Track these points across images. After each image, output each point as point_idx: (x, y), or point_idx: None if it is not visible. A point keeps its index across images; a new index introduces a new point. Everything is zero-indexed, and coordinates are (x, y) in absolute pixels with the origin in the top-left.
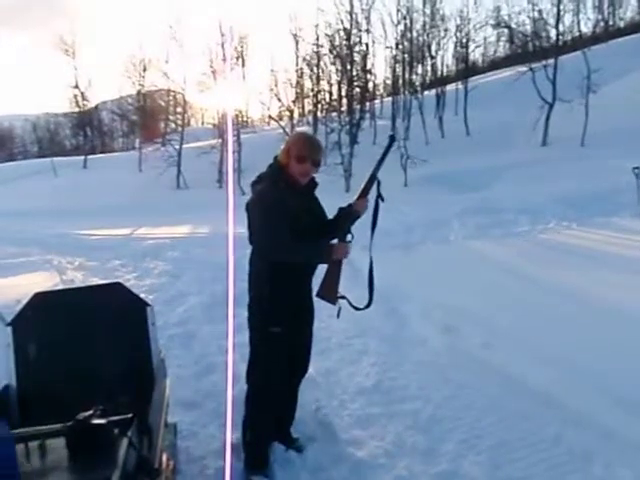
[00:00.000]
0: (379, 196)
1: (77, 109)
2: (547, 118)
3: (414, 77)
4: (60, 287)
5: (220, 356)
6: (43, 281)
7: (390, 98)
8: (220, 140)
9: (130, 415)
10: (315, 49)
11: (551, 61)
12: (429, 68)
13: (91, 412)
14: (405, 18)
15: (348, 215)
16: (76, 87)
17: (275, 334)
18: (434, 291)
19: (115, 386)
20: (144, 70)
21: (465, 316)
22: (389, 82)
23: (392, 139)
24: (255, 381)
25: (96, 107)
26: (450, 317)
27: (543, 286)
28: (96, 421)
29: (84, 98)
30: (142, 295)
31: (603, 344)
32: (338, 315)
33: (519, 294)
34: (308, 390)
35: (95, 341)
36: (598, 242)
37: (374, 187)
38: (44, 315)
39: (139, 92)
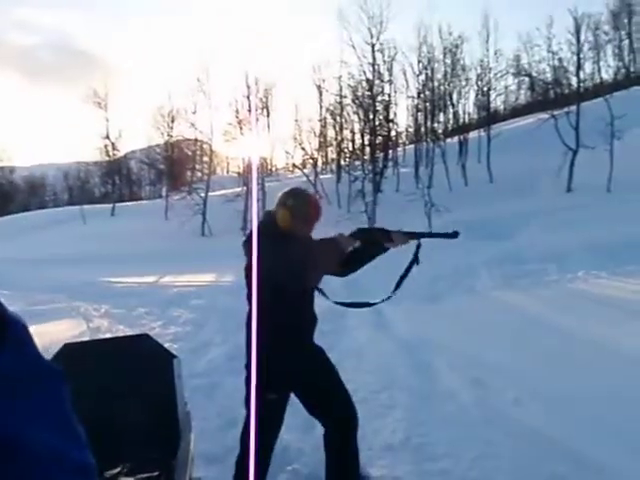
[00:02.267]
0: (416, 259)
1: (107, 158)
2: (571, 164)
3: (436, 125)
4: (87, 335)
5: (244, 409)
6: (70, 329)
7: (413, 146)
8: (245, 188)
9: (156, 473)
10: (338, 99)
11: (573, 108)
12: (451, 116)
13: (118, 470)
14: (426, 68)
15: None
16: (107, 137)
17: (271, 401)
18: (462, 343)
19: (141, 440)
20: (172, 121)
21: (494, 370)
22: (411, 130)
23: (455, 235)
24: (248, 445)
25: (125, 156)
26: (479, 370)
27: (575, 338)
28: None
29: (114, 148)
30: (167, 344)
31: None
32: None
33: (550, 347)
34: None
35: (122, 394)
36: (630, 292)
37: (413, 247)
38: (73, 366)
39: (167, 142)
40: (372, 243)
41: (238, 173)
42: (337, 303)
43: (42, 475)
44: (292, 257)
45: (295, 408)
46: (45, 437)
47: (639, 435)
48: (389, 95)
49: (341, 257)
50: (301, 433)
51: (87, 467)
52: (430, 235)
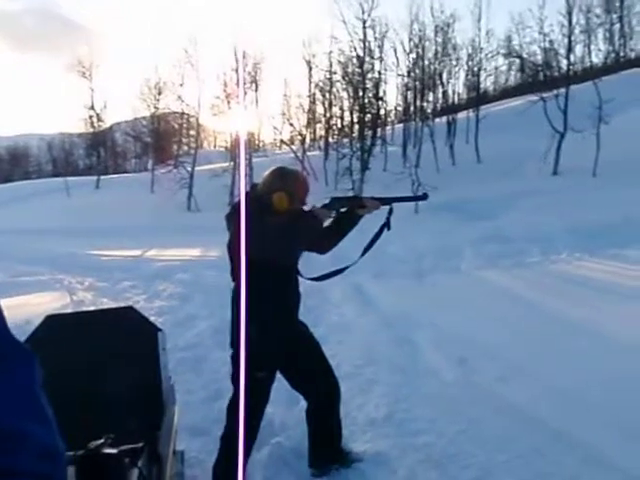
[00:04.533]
0: (387, 223)
1: (92, 130)
2: (558, 147)
3: (425, 104)
4: (70, 308)
5: (229, 382)
6: (53, 301)
7: (401, 125)
8: (232, 163)
9: (140, 444)
10: (328, 75)
11: (562, 91)
12: (440, 96)
13: (102, 441)
14: (417, 47)
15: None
16: (92, 108)
17: (259, 378)
18: (446, 321)
19: (125, 412)
20: (159, 93)
21: (478, 347)
22: (400, 109)
23: (425, 197)
24: (233, 422)
25: (110, 128)
26: (463, 348)
27: (556, 318)
28: (107, 450)
29: (99, 119)
30: (152, 318)
31: (617, 378)
32: None
33: (532, 326)
34: None
35: (106, 366)
36: (611, 274)
37: (385, 213)
38: (55, 338)
39: (153, 114)
40: (346, 212)
41: (225, 148)
42: (310, 279)
43: None
44: (279, 232)
45: (279, 382)
46: (2, 416)
47: (618, 412)
48: (379, 73)
49: (320, 228)
50: (285, 407)
51: (53, 450)
52: (401, 199)
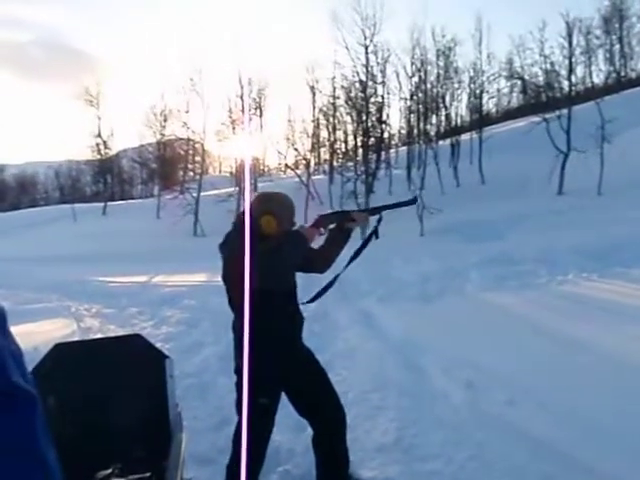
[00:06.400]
0: (375, 232)
1: (99, 157)
2: (562, 167)
3: (429, 127)
4: (77, 335)
5: (236, 412)
6: (60, 328)
7: (405, 148)
8: (237, 188)
9: (148, 474)
10: (331, 100)
11: (564, 111)
12: (443, 118)
13: (110, 471)
14: (419, 70)
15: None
16: (98, 136)
17: (263, 405)
18: (453, 344)
19: (132, 441)
20: (165, 120)
21: (485, 371)
22: (404, 132)
23: (414, 201)
24: (239, 450)
25: (117, 155)
26: (470, 372)
27: (564, 341)
28: None
29: (106, 146)
30: (159, 344)
31: (627, 400)
32: None
33: (540, 349)
34: None
35: (113, 394)
36: (620, 294)
37: (373, 222)
38: (64, 367)
39: (159, 141)
40: (336, 228)
41: (230, 173)
42: (305, 303)
43: None
44: (271, 257)
45: (287, 410)
46: None
47: (628, 436)
48: (382, 97)
49: (307, 246)
50: (292, 434)
51: None
52: (389, 207)
